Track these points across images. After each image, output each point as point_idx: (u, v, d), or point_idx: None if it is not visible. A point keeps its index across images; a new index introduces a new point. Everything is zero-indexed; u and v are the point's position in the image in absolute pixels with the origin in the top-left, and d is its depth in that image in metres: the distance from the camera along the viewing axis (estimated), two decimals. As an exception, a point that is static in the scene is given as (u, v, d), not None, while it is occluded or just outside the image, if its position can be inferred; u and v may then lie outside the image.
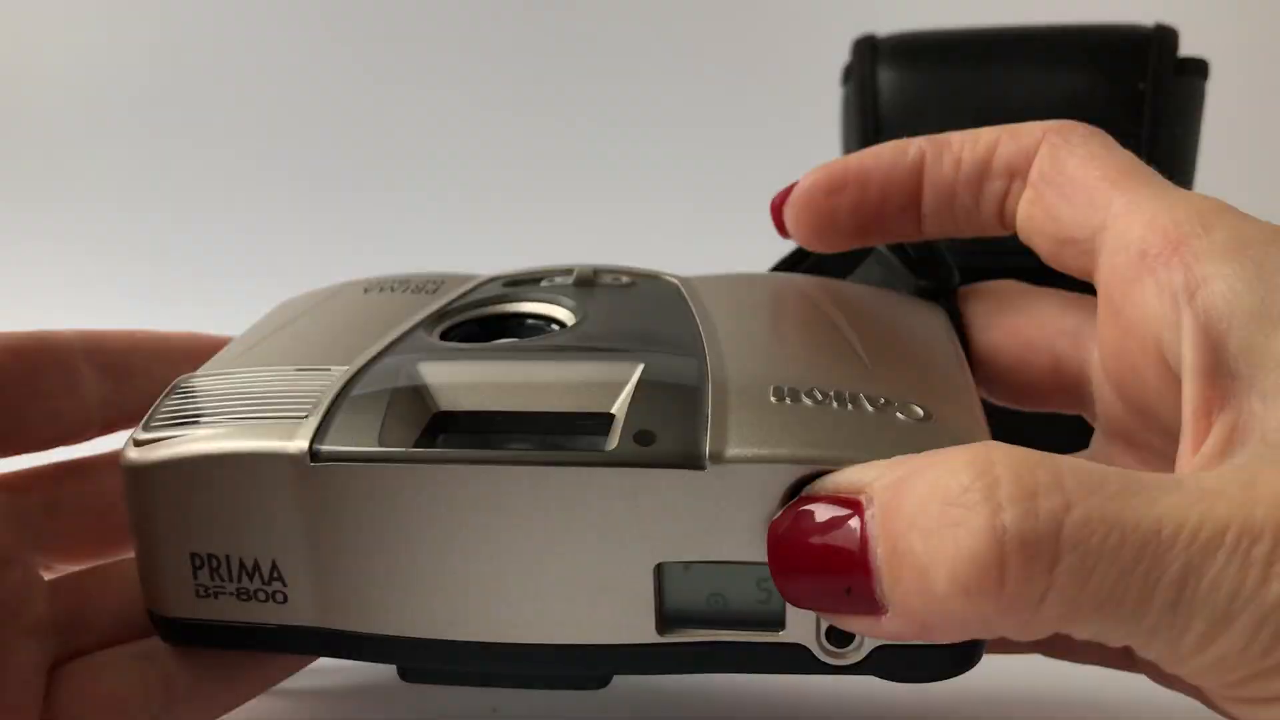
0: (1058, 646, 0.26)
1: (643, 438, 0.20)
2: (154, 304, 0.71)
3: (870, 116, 0.44)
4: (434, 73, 0.86)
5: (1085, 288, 0.24)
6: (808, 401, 0.21)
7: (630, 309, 0.26)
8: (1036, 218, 0.24)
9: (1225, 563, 0.16)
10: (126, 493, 0.22)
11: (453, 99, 0.86)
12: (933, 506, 0.17)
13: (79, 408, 0.26)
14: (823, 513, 0.19)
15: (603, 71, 0.84)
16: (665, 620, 0.21)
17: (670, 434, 0.20)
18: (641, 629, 0.21)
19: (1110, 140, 0.24)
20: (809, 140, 0.50)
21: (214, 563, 0.21)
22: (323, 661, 0.29)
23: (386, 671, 0.32)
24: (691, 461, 0.20)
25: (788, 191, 0.27)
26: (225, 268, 0.77)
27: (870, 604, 0.18)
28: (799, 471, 0.19)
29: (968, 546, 0.16)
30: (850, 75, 0.46)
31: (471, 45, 0.86)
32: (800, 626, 0.21)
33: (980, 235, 0.27)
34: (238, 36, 0.89)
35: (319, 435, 0.21)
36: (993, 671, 0.24)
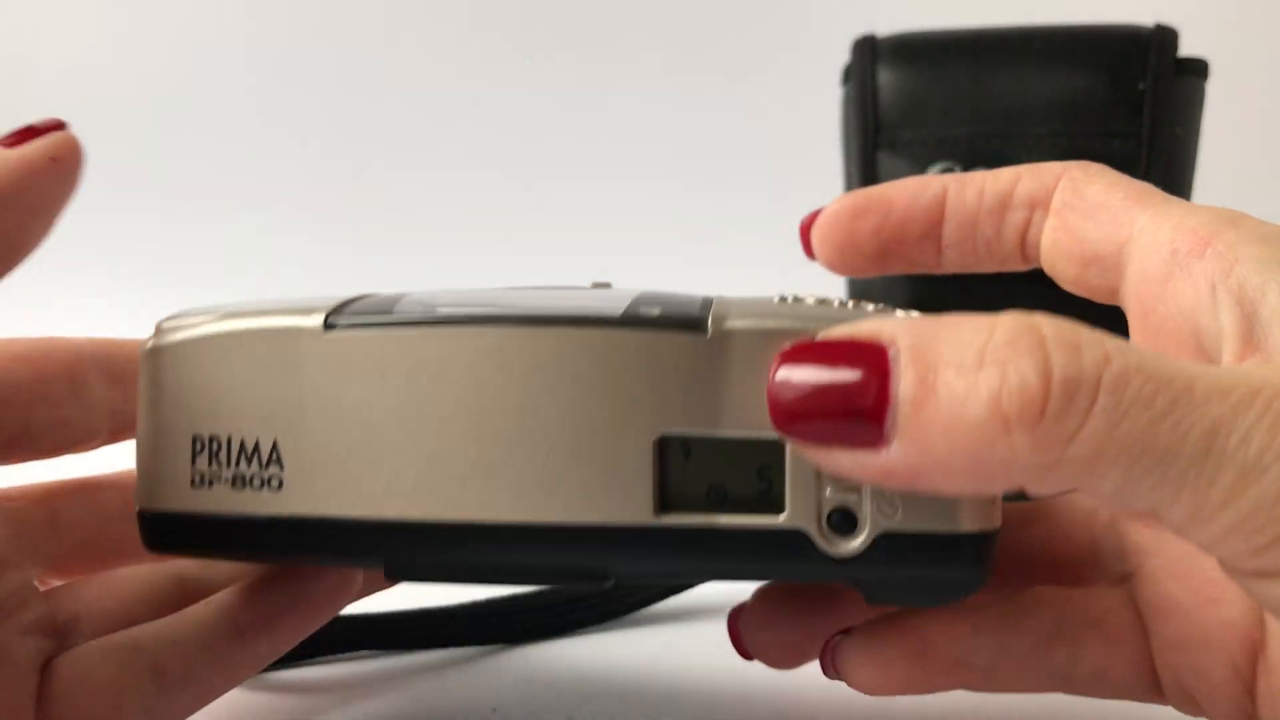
0: (1076, 680, 0.26)
1: (648, 307, 0.21)
2: (153, 307, 0.71)
3: (870, 116, 0.44)
4: (434, 77, 0.86)
5: (1103, 314, 0.24)
6: (809, 300, 0.22)
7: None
8: (1062, 241, 0.25)
9: (1257, 420, 0.17)
10: (141, 378, 0.23)
11: (453, 102, 0.86)
12: (973, 348, 0.18)
13: (87, 416, 0.26)
14: (840, 343, 0.19)
15: (602, 72, 0.85)
16: (664, 503, 0.21)
17: (674, 308, 0.21)
18: (639, 509, 0.21)
19: (1126, 175, 0.25)
20: (809, 140, 0.50)
21: (215, 445, 0.22)
22: (325, 661, 0.29)
23: (388, 670, 0.32)
24: (694, 325, 0.20)
25: (815, 214, 0.28)
26: (226, 271, 0.77)
27: (875, 434, 0.18)
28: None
29: (1016, 378, 0.17)
30: (850, 75, 0.46)
31: (472, 47, 0.86)
32: (801, 512, 0.20)
33: (1001, 269, 0.27)
34: (238, 35, 0.89)
35: (334, 313, 0.22)
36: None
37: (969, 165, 0.43)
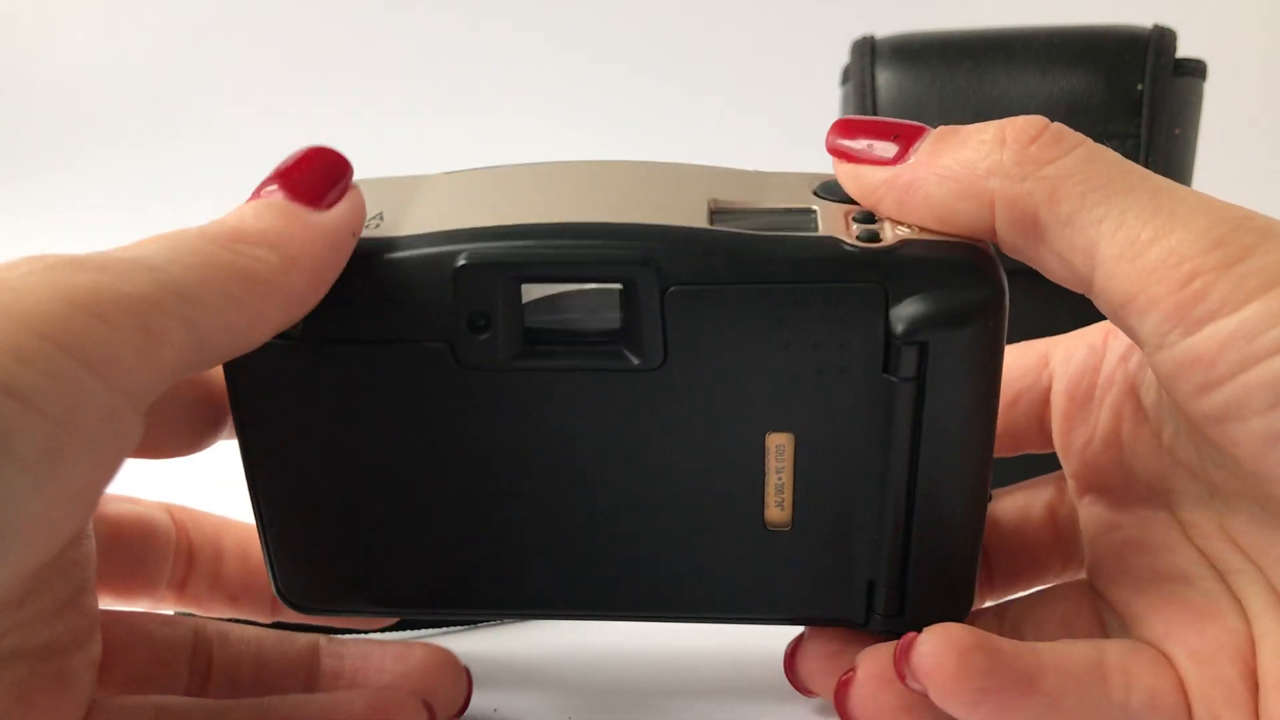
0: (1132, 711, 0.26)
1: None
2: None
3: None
4: (434, 74, 0.86)
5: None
6: None
7: None
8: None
9: (1197, 197, 0.21)
10: None
11: (453, 99, 0.86)
12: (992, 126, 0.23)
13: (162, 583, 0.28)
14: (890, 120, 0.25)
15: (602, 73, 0.85)
16: (714, 218, 0.24)
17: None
18: (696, 219, 0.24)
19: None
20: (808, 140, 0.50)
21: None
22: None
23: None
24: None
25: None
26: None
27: (902, 151, 0.24)
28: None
29: (1022, 121, 0.23)
30: (849, 76, 0.46)
31: (472, 45, 0.86)
32: (833, 230, 0.24)
33: None
34: (236, 35, 0.89)
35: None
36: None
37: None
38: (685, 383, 0.24)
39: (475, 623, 0.34)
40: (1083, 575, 0.28)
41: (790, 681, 0.28)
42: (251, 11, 0.88)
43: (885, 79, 0.44)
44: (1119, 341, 0.27)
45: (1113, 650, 0.25)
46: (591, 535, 0.26)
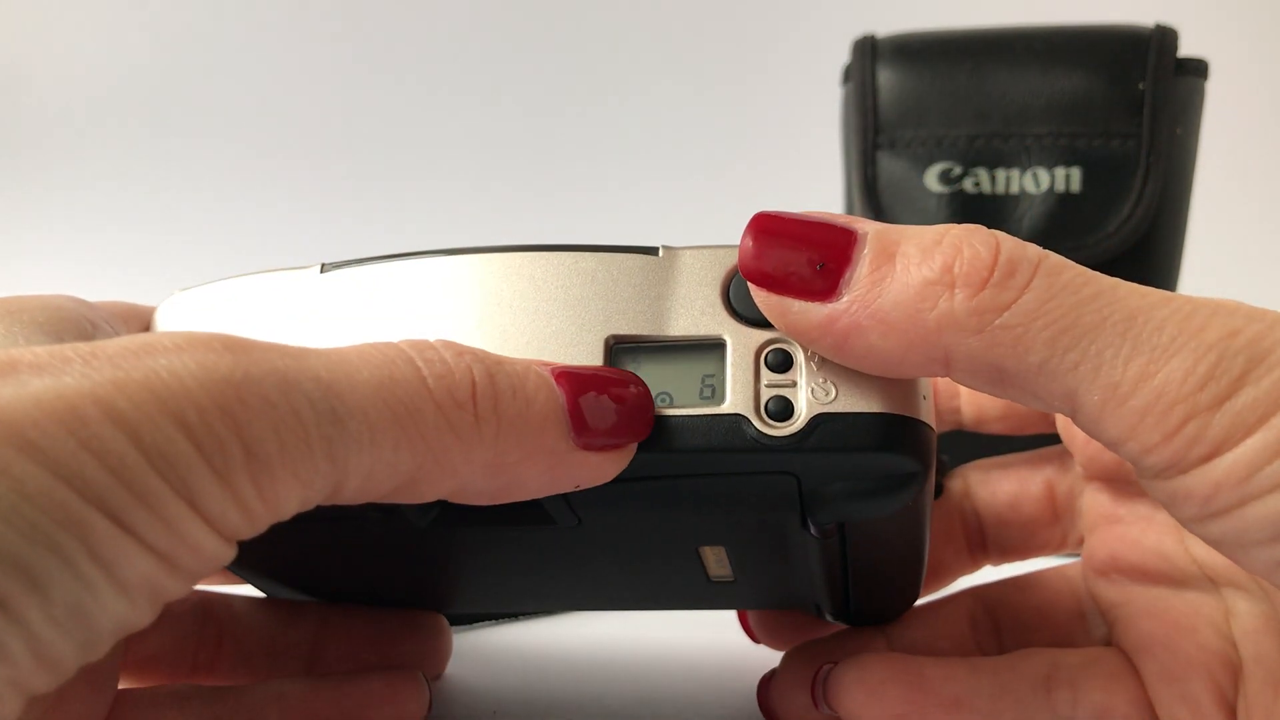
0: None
1: (607, 249, 0.23)
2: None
3: (870, 116, 0.44)
4: (434, 71, 0.86)
5: None
6: None
7: None
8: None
9: (1170, 313, 0.19)
10: None
11: (452, 96, 0.86)
12: (933, 234, 0.20)
13: None
14: (816, 219, 0.21)
15: (602, 73, 0.85)
16: (613, 350, 0.22)
17: (632, 248, 0.23)
18: (592, 357, 0.22)
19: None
20: (809, 140, 0.50)
21: None
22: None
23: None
24: (647, 250, 0.23)
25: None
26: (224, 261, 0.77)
27: (830, 285, 0.20)
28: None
29: (969, 251, 0.20)
30: (850, 75, 0.46)
31: (473, 43, 0.86)
32: (741, 401, 0.21)
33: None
34: (236, 33, 0.89)
35: (329, 265, 0.24)
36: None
37: (969, 165, 0.43)
38: (606, 534, 0.24)
39: (474, 621, 0.34)
40: (1078, 555, 0.29)
41: (762, 710, 0.29)
42: (251, 11, 0.88)
43: (886, 78, 0.44)
44: None
45: (1069, 664, 0.25)
46: (548, 584, 0.28)
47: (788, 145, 0.72)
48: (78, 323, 0.21)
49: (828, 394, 0.21)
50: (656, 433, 0.21)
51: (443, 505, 0.22)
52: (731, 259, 0.22)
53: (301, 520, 0.18)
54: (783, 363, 0.21)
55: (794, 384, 0.21)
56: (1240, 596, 0.24)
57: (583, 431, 0.20)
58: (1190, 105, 0.43)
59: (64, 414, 0.14)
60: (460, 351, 0.19)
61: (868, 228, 0.21)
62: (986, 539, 0.30)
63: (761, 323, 0.22)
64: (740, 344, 0.22)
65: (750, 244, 0.21)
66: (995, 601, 0.28)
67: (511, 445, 0.19)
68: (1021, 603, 0.28)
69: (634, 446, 0.21)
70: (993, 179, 0.43)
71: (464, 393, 0.18)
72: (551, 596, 0.30)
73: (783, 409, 0.21)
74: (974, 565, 0.30)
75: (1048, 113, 0.42)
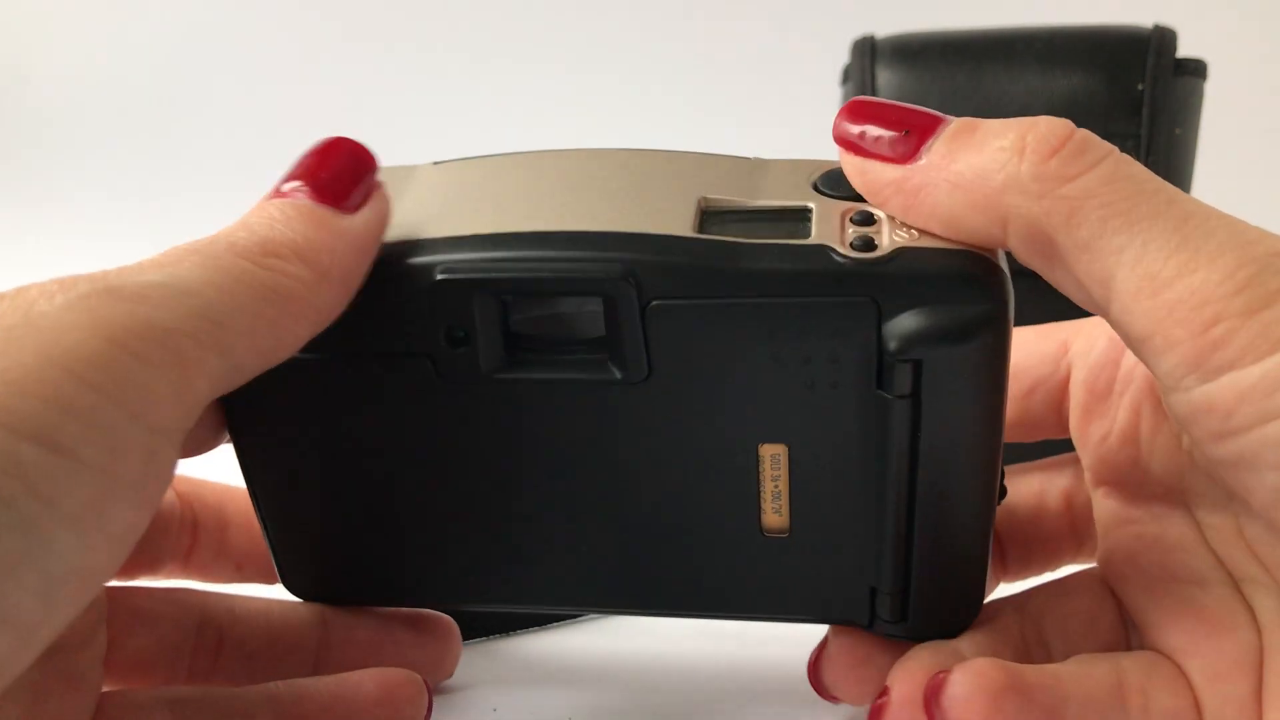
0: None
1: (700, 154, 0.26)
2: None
3: (870, 117, 0.44)
4: (434, 71, 0.86)
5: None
6: None
7: None
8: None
9: (1224, 223, 0.20)
10: None
11: (452, 97, 0.86)
12: (1013, 121, 0.22)
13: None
14: (908, 106, 0.23)
15: (602, 72, 0.84)
16: (703, 221, 0.23)
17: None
18: (681, 227, 0.23)
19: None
20: (809, 140, 0.50)
21: None
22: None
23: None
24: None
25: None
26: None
27: (912, 149, 0.22)
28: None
29: (1045, 126, 0.21)
30: (849, 75, 0.46)
31: (473, 46, 0.86)
32: (826, 235, 0.22)
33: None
34: (236, 33, 0.89)
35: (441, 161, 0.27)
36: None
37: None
38: (672, 396, 0.23)
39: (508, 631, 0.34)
40: (1094, 563, 0.28)
41: (814, 687, 0.28)
42: (252, 11, 0.88)
43: (885, 79, 0.44)
44: None
45: (1132, 668, 0.24)
46: (584, 538, 0.26)
47: (787, 145, 0.72)
48: None
49: (911, 235, 0.22)
50: (741, 256, 0.22)
51: (508, 344, 0.23)
52: (822, 168, 0.24)
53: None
54: (866, 219, 0.23)
55: (878, 230, 0.22)
56: (1260, 592, 0.24)
57: (335, 200, 0.22)
58: (1189, 106, 0.43)
59: None
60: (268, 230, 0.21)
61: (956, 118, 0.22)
62: (1006, 555, 0.29)
63: (848, 195, 0.23)
64: (826, 210, 0.23)
65: (847, 112, 0.23)
66: (1037, 611, 0.27)
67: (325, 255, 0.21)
68: (1065, 610, 0.27)
69: (386, 191, 0.23)
70: (992, 179, 0.42)
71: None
72: (588, 571, 0.27)
73: (867, 243, 0.22)
74: (993, 584, 0.29)
75: (1047, 113, 0.42)
